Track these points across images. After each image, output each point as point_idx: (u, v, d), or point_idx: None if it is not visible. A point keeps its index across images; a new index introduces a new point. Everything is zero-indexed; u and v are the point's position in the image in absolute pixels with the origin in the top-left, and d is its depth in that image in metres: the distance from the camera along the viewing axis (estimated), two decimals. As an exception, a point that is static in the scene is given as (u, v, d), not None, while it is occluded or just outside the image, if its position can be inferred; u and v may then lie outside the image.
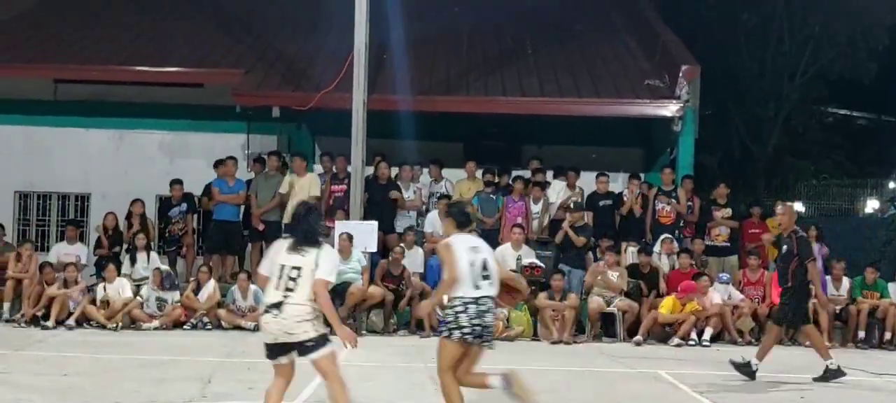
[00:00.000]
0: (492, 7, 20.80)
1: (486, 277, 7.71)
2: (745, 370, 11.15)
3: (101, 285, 15.07)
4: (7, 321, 15.07)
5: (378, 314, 15.16)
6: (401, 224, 16.32)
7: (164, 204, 17.17)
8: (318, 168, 17.29)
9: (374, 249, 15.35)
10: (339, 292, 13.81)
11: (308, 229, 7.35)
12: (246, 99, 17.38)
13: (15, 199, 18.64)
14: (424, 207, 16.77)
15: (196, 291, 15.13)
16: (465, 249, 7.75)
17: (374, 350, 12.51)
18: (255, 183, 16.86)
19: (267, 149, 17.77)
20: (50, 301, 14.79)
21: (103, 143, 18.71)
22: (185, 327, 14.76)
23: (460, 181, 16.95)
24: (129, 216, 16.53)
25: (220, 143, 18.18)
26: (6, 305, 15.36)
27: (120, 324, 14.55)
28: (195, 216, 17.23)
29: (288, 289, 7.16)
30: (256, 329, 14.51)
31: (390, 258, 15.38)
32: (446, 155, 17.49)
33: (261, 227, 16.35)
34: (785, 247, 11.41)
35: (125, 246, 16.29)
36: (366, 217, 15.56)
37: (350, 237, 14.93)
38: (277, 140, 18.42)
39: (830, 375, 11.07)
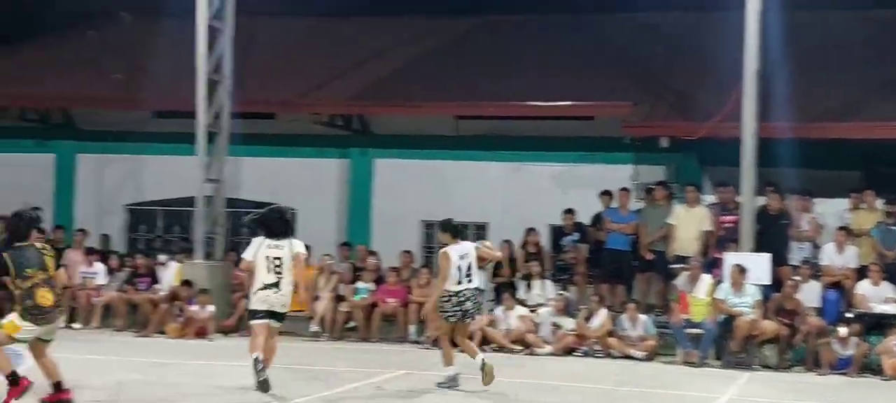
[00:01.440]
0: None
1: (468, 276, 11.12)
2: None
3: (500, 310, 15.83)
4: (412, 342, 16.22)
5: (772, 349, 14.73)
6: (795, 256, 15.78)
7: (557, 233, 17.74)
8: (710, 198, 17.09)
9: (768, 282, 14.97)
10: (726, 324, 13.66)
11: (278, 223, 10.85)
12: (635, 130, 17.61)
13: (421, 228, 20.02)
14: (819, 238, 16.09)
15: (587, 319, 15.49)
16: (456, 256, 11.06)
17: (768, 385, 12.20)
18: (644, 213, 17.01)
19: (654, 179, 17.88)
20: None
21: (499, 175, 19.65)
22: (576, 354, 15.16)
23: (857, 210, 16.11)
24: (524, 244, 17.25)
25: (609, 174, 18.47)
26: (412, 327, 16.53)
27: (523, 349, 15.21)
28: (586, 245, 17.64)
29: (278, 273, 10.42)
30: (647, 358, 14.66)
31: (784, 291, 14.92)
32: (840, 183, 16.68)
33: (649, 257, 16.46)
34: None
35: (520, 274, 17.01)
36: (757, 248, 15.21)
37: (742, 269, 14.67)
38: (665, 170, 18.46)
39: None
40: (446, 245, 11.39)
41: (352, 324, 17.04)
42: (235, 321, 17.10)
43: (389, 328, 16.88)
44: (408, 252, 18.12)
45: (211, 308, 16.34)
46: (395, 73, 20.60)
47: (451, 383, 11.32)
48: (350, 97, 19.47)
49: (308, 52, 22.06)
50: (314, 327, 16.76)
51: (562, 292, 16.12)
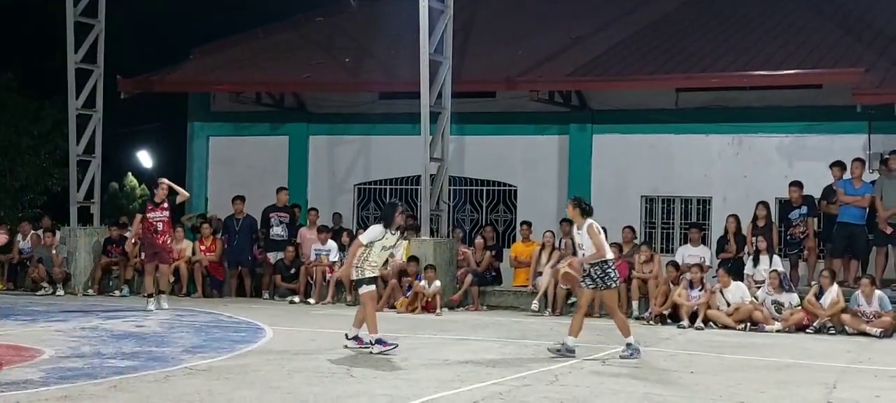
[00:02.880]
0: None
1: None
2: None
3: (717, 288, 15.56)
4: (636, 318, 16.18)
5: None
6: None
7: (784, 206, 17.25)
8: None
9: None
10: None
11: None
12: (868, 97, 16.88)
13: (641, 203, 19.88)
14: None
15: (818, 295, 15.01)
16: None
17: None
18: (879, 184, 16.29)
19: (889, 148, 17.07)
20: (673, 302, 15.62)
21: (723, 148, 19.26)
22: (807, 331, 14.73)
23: None
24: (754, 219, 16.86)
25: (839, 144, 17.83)
26: (635, 303, 16.49)
27: (747, 326, 14.93)
28: (816, 219, 17.06)
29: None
30: (885, 335, 14.09)
31: None
32: None
33: (888, 231, 15.76)
34: None
35: (747, 249, 16.65)
36: None
37: None
38: (902, 138, 17.62)
39: None
40: (573, 221, 11.95)
41: (572, 300, 17.14)
42: (461, 295, 17.55)
43: (612, 303, 16.88)
44: (629, 227, 18.05)
45: (437, 283, 16.82)
46: (614, 48, 20.51)
47: (633, 352, 11.49)
48: (569, 73, 19.53)
49: (527, 30, 22.25)
50: (535, 303, 16.98)
51: (775, 269, 15.65)
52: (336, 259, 18.43)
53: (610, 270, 11.54)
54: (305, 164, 22.01)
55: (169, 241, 16.70)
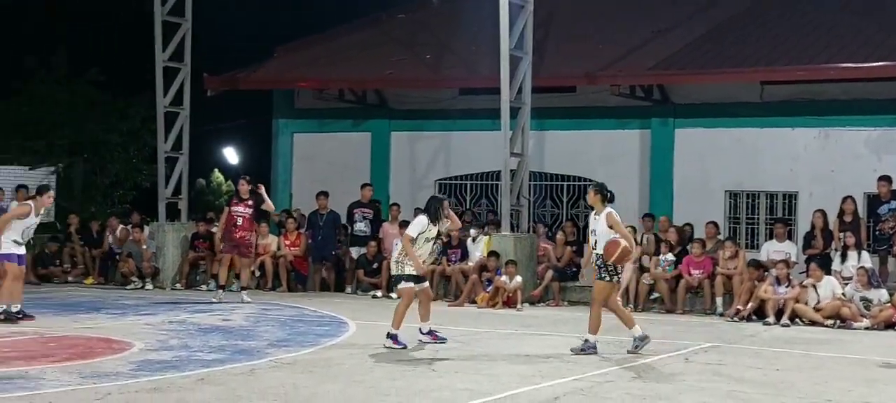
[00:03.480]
0: None
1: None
2: None
3: (809, 283, 15.32)
4: (719, 315, 16.01)
5: None
6: None
7: (873, 201, 16.90)
8: None
9: None
10: None
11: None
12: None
13: (725, 199, 19.63)
14: None
15: (908, 291, 14.70)
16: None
17: None
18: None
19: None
20: (758, 298, 15.41)
21: (809, 142, 18.94)
22: (897, 329, 14.45)
23: None
24: (840, 214, 16.55)
25: (930, 138, 17.44)
26: (718, 300, 16.31)
27: (837, 322, 14.67)
28: (905, 214, 16.70)
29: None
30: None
31: None
32: None
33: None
34: None
35: (835, 245, 16.36)
36: None
37: None
38: None
39: None
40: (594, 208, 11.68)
41: (655, 295, 17.05)
42: (542, 291, 17.55)
43: (694, 299, 16.76)
44: (713, 223, 17.86)
45: (518, 278, 16.83)
46: (696, 41, 20.30)
47: (642, 342, 11.40)
48: (651, 67, 19.37)
49: (607, 25, 22.13)
50: (618, 299, 16.82)
51: (863, 265, 15.34)
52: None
53: (608, 263, 11.37)
54: (387, 160, 22.19)
55: (248, 237, 16.99)
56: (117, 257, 20.63)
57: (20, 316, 13.39)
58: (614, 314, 11.71)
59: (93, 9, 31.73)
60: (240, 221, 16.69)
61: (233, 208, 16.82)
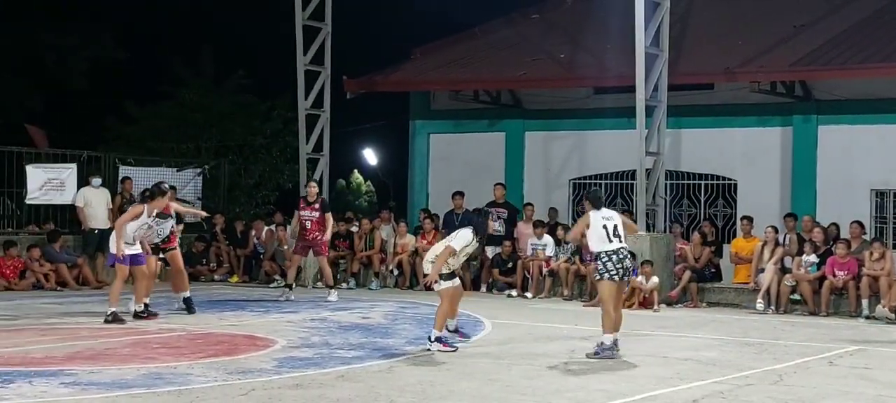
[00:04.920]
0: None
1: (617, 236, 11.10)
2: None
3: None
4: (866, 317, 15.54)
5: None
6: None
7: None
8: None
9: None
10: None
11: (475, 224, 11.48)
12: None
13: (871, 197, 19.01)
14: None
15: None
16: (599, 219, 11.18)
17: None
18: None
19: None
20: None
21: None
22: None
23: None
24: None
25: None
26: (864, 302, 15.82)
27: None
28: None
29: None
30: None
31: None
32: None
33: None
34: None
35: None
36: None
37: None
38: None
39: None
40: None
41: (796, 297, 16.64)
42: (679, 292, 17.34)
43: (839, 301, 16.31)
44: (857, 222, 17.33)
45: (655, 279, 16.66)
46: (838, 36, 19.74)
47: (608, 351, 10.91)
48: (792, 63, 18.91)
49: (745, 21, 21.69)
50: (759, 301, 16.54)
51: None
52: (552, 253, 18.57)
53: (608, 262, 11.06)
54: (521, 160, 22.22)
55: (320, 237, 17.14)
56: (261, 256, 21.21)
57: (144, 314, 13.88)
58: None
59: (237, 15, 32.73)
60: (308, 224, 17.04)
61: (301, 212, 17.19)
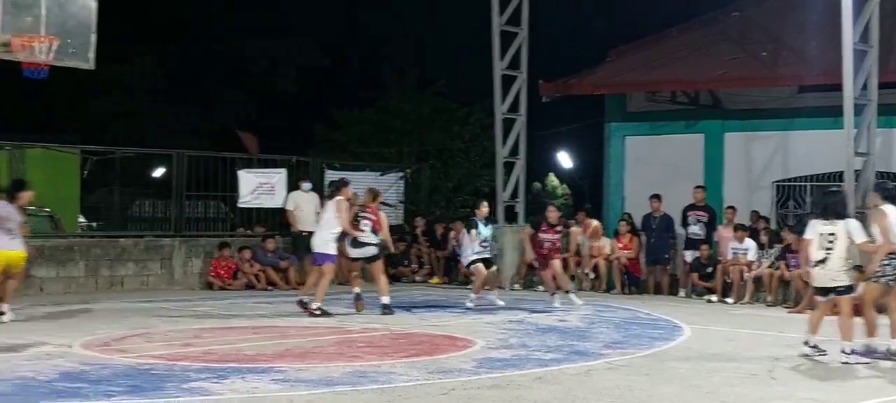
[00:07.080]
0: None
1: None
2: None
3: None
4: None
5: None
6: None
7: None
8: None
9: None
10: None
11: (832, 205, 10.91)
12: None
13: None
14: None
15: None
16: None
17: None
18: None
19: None
20: None
21: None
22: None
23: None
24: None
25: None
26: None
27: None
28: None
29: (827, 250, 10.67)
30: None
31: None
32: None
33: None
34: None
35: None
36: None
37: None
38: None
39: None
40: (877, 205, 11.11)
41: None
42: (890, 298, 16.57)
43: None
44: None
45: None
46: None
47: (870, 354, 10.66)
48: None
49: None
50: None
51: None
52: (754, 258, 18.10)
53: (888, 267, 10.84)
54: (721, 162, 21.74)
55: (555, 254, 16.54)
56: (459, 258, 21.53)
57: (318, 313, 14.42)
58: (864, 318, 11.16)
59: (438, 21, 33.40)
60: (547, 245, 16.39)
61: (542, 234, 16.35)
